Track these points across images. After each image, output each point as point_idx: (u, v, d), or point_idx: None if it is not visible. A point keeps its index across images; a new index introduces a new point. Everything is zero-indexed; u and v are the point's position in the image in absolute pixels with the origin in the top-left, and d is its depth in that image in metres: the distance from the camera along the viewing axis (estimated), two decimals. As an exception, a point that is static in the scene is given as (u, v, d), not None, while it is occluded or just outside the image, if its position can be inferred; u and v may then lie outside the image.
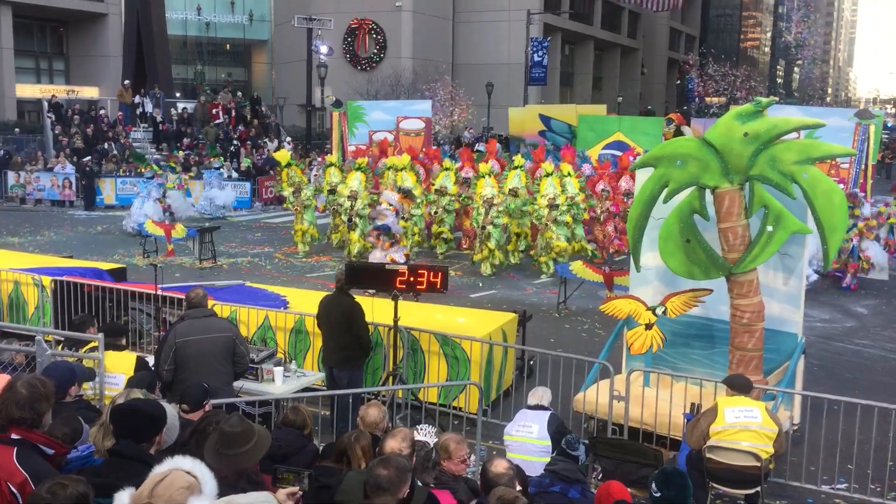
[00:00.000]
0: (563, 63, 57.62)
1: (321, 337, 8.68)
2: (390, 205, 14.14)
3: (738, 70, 71.61)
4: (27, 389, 4.07)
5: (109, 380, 6.61)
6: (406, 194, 16.76)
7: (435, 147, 26.71)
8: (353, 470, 4.66)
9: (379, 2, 46.35)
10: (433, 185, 18.65)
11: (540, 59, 46.03)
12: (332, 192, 18.79)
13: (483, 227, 16.58)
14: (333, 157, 20.96)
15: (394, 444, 4.71)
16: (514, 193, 17.09)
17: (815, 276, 16.55)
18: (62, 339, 7.96)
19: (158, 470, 3.41)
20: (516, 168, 17.71)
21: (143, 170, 25.55)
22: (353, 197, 17.65)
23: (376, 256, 13.85)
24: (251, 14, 53.96)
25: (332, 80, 39.33)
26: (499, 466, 4.77)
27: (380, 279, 8.57)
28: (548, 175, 16.74)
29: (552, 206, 16.34)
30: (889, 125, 62.31)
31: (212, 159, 28.84)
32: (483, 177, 16.99)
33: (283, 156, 19.83)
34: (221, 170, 26.98)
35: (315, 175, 22.74)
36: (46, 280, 10.74)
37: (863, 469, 7.48)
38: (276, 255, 18.70)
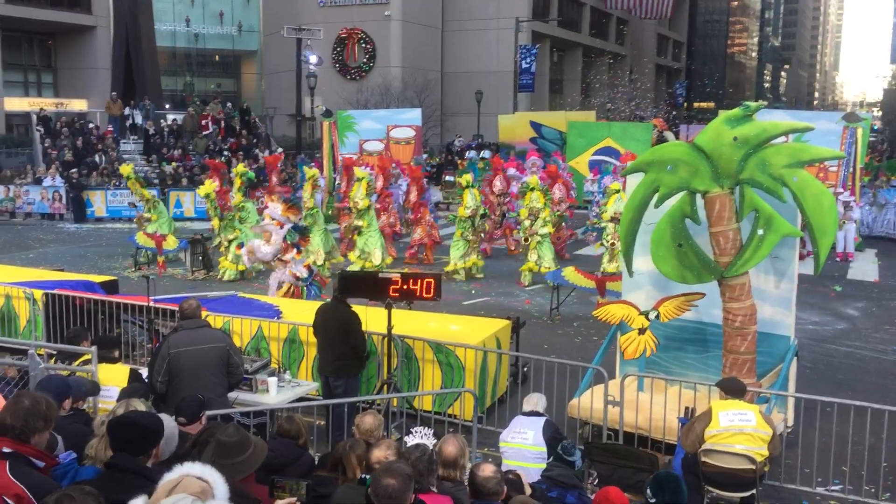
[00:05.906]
0: (552, 70, 57.87)
1: (317, 346, 8.68)
2: (273, 219, 12.70)
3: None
4: (29, 401, 4.14)
5: (103, 392, 6.57)
6: (291, 205, 14.13)
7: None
8: (345, 484, 4.63)
9: (368, 11, 46.48)
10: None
11: (528, 66, 46.26)
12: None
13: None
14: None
15: (379, 454, 4.73)
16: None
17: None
18: (55, 352, 7.93)
19: (169, 477, 3.37)
20: (467, 188, 17.29)
21: None
22: (533, 215, 16.74)
23: (275, 277, 12.63)
24: (240, 25, 54.03)
25: (321, 90, 39.37)
26: (486, 471, 4.76)
27: (374, 288, 8.57)
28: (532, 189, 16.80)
29: (615, 220, 15.01)
30: (875, 128, 62.79)
31: None
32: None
33: (126, 169, 19.29)
34: None
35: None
36: (38, 293, 10.69)
37: (857, 470, 7.51)
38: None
